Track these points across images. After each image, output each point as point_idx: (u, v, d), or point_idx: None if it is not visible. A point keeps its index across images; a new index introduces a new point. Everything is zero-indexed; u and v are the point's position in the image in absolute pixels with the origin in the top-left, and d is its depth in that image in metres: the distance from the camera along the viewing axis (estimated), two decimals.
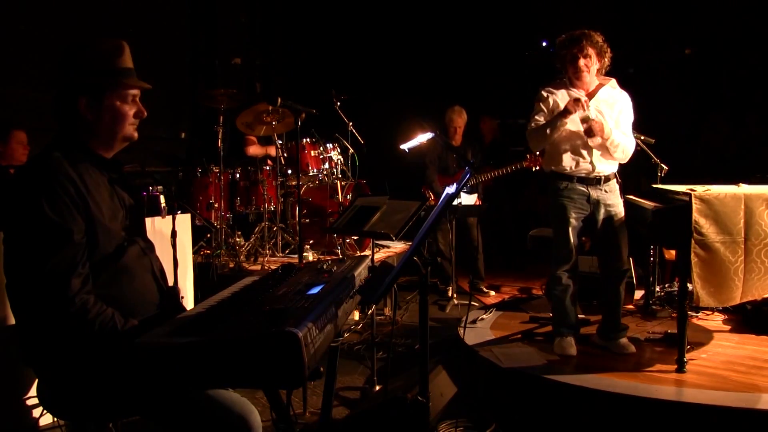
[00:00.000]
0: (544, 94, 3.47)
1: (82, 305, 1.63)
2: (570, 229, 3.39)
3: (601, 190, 3.41)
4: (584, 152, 3.39)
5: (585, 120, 3.30)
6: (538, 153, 5.06)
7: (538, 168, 5.36)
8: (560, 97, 3.42)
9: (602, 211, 3.41)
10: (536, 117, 3.46)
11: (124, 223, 1.85)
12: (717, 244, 2.92)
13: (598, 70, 3.41)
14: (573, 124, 3.38)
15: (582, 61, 3.32)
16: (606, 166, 3.41)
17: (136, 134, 1.89)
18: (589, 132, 3.29)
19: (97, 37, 1.84)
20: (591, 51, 3.31)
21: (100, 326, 1.65)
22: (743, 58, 6.51)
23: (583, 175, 3.40)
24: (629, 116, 3.43)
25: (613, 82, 3.47)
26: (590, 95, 3.40)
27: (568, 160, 3.41)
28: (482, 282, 5.71)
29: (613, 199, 3.44)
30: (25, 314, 1.72)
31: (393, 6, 7.83)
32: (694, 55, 6.94)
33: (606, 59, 3.38)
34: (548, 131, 3.35)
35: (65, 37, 5.08)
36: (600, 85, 3.43)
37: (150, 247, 1.97)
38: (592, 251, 4.14)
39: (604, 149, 3.39)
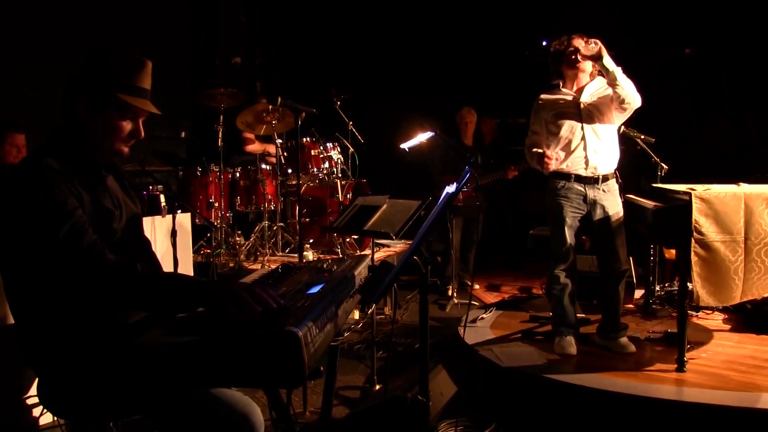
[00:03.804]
0: (538, 103, 3.54)
1: (101, 249, 1.61)
2: (566, 228, 3.41)
3: (599, 189, 3.42)
4: (577, 146, 3.41)
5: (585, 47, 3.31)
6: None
7: (516, 174, 5.61)
8: (551, 104, 3.49)
9: (599, 211, 3.41)
10: (532, 129, 3.58)
11: (119, 221, 1.84)
12: (717, 244, 2.92)
13: (591, 73, 3.46)
14: (564, 117, 3.43)
15: (573, 55, 3.36)
16: (601, 162, 3.41)
17: (126, 151, 1.84)
18: (587, 48, 3.28)
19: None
20: (581, 45, 3.36)
21: (116, 268, 1.61)
22: (743, 58, 6.51)
23: (579, 173, 3.41)
24: None
25: (601, 78, 3.49)
26: (580, 90, 3.46)
27: (562, 156, 3.43)
28: (468, 276, 5.73)
29: (611, 200, 3.44)
30: (25, 310, 1.71)
31: (393, 5, 7.83)
32: (694, 55, 6.94)
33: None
34: (535, 161, 3.48)
35: (65, 36, 5.09)
36: (591, 79, 3.48)
37: (146, 245, 1.97)
38: (592, 251, 4.14)
39: (597, 140, 3.39)
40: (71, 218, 1.61)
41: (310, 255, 5.09)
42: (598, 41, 3.25)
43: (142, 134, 1.85)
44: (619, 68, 3.24)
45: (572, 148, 3.42)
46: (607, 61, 3.22)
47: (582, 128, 3.41)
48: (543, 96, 3.54)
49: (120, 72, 1.77)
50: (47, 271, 1.63)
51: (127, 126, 1.81)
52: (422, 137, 2.37)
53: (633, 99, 3.28)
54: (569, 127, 3.43)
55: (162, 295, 1.61)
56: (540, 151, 3.38)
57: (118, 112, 1.78)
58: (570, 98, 3.45)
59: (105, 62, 1.78)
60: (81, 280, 1.60)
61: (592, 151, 3.40)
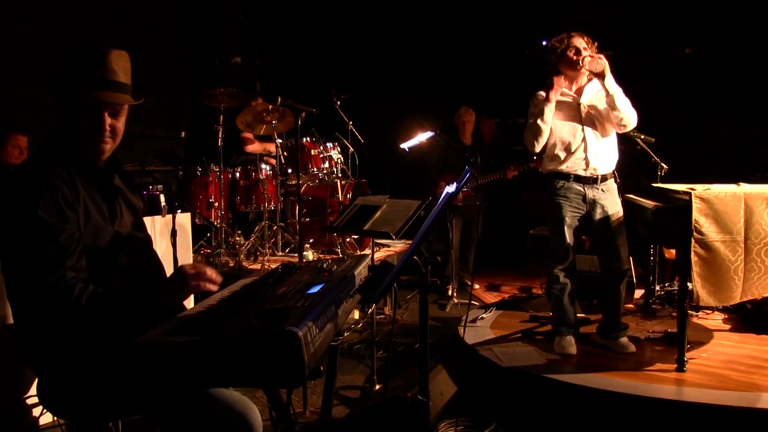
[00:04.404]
0: (536, 98, 3.50)
1: (68, 286, 1.61)
2: (566, 228, 3.41)
3: (598, 189, 3.42)
4: (578, 148, 3.41)
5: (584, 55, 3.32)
6: (535, 158, 5.18)
7: (516, 174, 5.62)
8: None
9: (598, 211, 3.41)
10: (530, 122, 3.55)
11: (120, 220, 1.84)
12: (717, 243, 2.92)
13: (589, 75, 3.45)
14: (565, 118, 3.42)
15: (573, 55, 3.36)
16: (601, 163, 3.41)
17: (103, 147, 1.77)
18: (592, 64, 3.29)
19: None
20: (586, 44, 3.37)
21: (88, 300, 1.62)
22: (743, 58, 6.51)
23: (579, 173, 3.41)
24: None
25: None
26: (579, 91, 3.46)
27: (562, 157, 3.43)
28: (468, 275, 5.74)
29: (610, 199, 3.44)
30: (23, 312, 1.72)
31: (393, 5, 7.83)
32: (694, 55, 6.94)
33: None
34: (538, 122, 3.39)
35: (65, 36, 5.09)
36: (589, 81, 3.47)
37: (147, 243, 1.97)
38: (592, 250, 4.14)
39: (598, 141, 3.39)
40: (51, 247, 1.61)
41: (310, 255, 5.09)
42: (602, 56, 3.27)
43: (106, 128, 1.75)
44: (620, 90, 3.28)
45: (573, 150, 3.41)
46: (609, 81, 3.27)
47: (583, 130, 3.40)
48: (542, 93, 3.49)
49: (76, 66, 1.73)
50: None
51: (94, 121, 1.74)
52: (422, 137, 2.36)
53: (630, 121, 3.34)
54: (570, 129, 3.42)
55: (122, 316, 1.65)
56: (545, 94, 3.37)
57: (79, 108, 1.73)
58: (570, 99, 3.45)
59: (70, 63, 1.75)
60: (42, 307, 1.63)
61: (593, 152, 3.40)
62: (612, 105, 3.29)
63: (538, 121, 3.39)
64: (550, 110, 3.39)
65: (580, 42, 3.36)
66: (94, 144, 1.77)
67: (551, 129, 3.45)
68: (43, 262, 1.60)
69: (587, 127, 3.40)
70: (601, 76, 3.27)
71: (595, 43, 3.42)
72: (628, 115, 3.32)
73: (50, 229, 1.62)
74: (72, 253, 1.65)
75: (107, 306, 1.64)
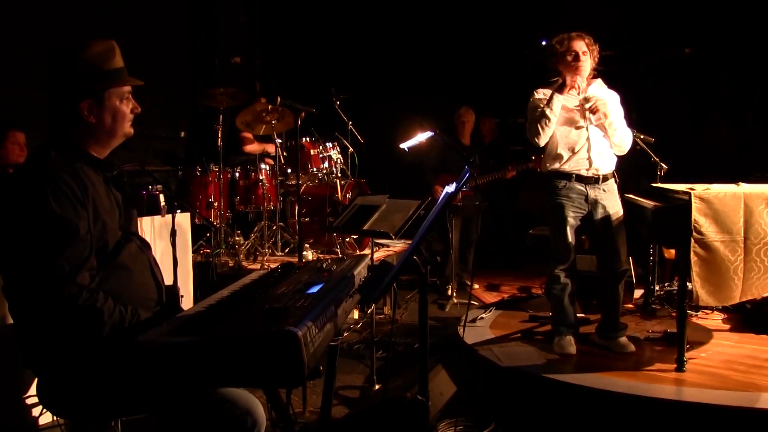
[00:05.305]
0: (538, 94, 3.49)
1: (90, 296, 1.63)
2: (568, 228, 3.40)
3: (599, 189, 3.42)
4: (581, 148, 3.40)
5: (587, 99, 3.37)
6: (534, 158, 5.19)
7: (514, 174, 5.60)
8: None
9: (600, 211, 3.41)
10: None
11: (120, 221, 1.85)
12: (716, 243, 2.92)
13: (587, 76, 3.46)
14: (569, 117, 3.41)
15: (572, 60, 3.36)
16: (603, 164, 3.41)
17: (132, 130, 1.92)
18: (594, 110, 3.35)
19: (89, 38, 1.83)
20: (586, 47, 3.36)
21: (109, 317, 1.65)
22: (743, 58, 6.51)
23: (581, 173, 3.41)
24: (620, 111, 3.47)
25: (600, 81, 3.50)
26: (581, 93, 3.45)
27: (565, 157, 3.42)
28: (467, 275, 5.74)
29: (611, 200, 3.44)
30: (28, 313, 1.70)
31: (393, 5, 7.83)
32: (694, 55, 6.94)
33: (594, 60, 3.42)
34: (546, 111, 3.36)
35: (65, 36, 5.09)
36: (589, 85, 3.47)
37: (146, 245, 1.97)
38: (592, 250, 4.14)
39: (602, 142, 3.40)
40: (71, 245, 1.62)
41: (309, 255, 5.09)
42: (606, 114, 3.35)
43: (139, 108, 1.92)
44: (621, 125, 3.39)
45: (576, 150, 3.41)
46: (610, 122, 3.37)
47: (587, 129, 3.40)
48: (545, 91, 3.47)
49: (102, 62, 1.81)
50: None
51: (128, 106, 1.88)
52: (422, 137, 2.36)
53: (626, 148, 3.49)
54: (574, 128, 3.41)
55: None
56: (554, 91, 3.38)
57: (119, 99, 1.85)
58: (573, 99, 3.43)
59: (84, 60, 1.79)
60: (60, 309, 1.62)
61: (597, 153, 3.39)
62: (613, 141, 3.41)
63: (547, 111, 3.35)
64: (559, 101, 3.37)
65: (580, 45, 3.34)
66: (131, 127, 1.90)
67: (554, 128, 3.44)
68: (60, 264, 1.60)
69: (591, 128, 3.40)
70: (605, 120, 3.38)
71: (596, 45, 3.42)
72: (627, 145, 3.47)
73: (68, 225, 1.62)
74: (89, 253, 1.65)
75: (123, 326, 1.68)
